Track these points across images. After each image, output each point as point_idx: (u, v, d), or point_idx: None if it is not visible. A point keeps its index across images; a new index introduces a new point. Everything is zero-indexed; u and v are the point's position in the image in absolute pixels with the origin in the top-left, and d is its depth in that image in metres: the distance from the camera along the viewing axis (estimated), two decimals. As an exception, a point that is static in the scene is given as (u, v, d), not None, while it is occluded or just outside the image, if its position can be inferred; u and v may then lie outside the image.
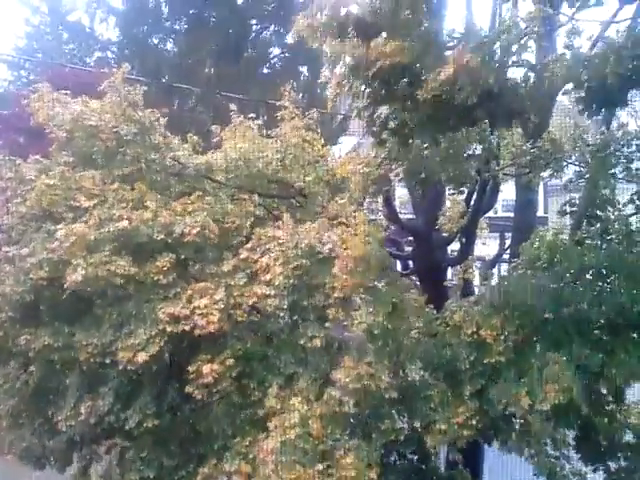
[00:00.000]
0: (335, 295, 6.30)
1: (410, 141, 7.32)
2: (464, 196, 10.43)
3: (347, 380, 6.04)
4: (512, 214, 10.90)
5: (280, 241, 6.83)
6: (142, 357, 6.48)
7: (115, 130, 8.10)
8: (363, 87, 6.69)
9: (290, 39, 20.45)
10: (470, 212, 10.05)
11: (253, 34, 20.95)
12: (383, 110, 6.98)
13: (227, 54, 19.96)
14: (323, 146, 10.18)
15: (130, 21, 20.62)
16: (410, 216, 11.56)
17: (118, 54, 20.59)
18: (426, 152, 7.69)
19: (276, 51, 21.17)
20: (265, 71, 21.14)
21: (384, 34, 6.31)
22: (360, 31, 6.32)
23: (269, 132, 10.36)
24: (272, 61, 21.36)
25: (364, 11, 6.24)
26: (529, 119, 7.25)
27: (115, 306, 6.98)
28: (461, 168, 8.32)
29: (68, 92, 8.67)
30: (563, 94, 7.47)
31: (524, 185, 9.58)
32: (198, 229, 7.05)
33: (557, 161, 8.37)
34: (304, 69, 21.08)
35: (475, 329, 7.27)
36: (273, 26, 20.71)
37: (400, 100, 6.54)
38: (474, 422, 6.92)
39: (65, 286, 6.68)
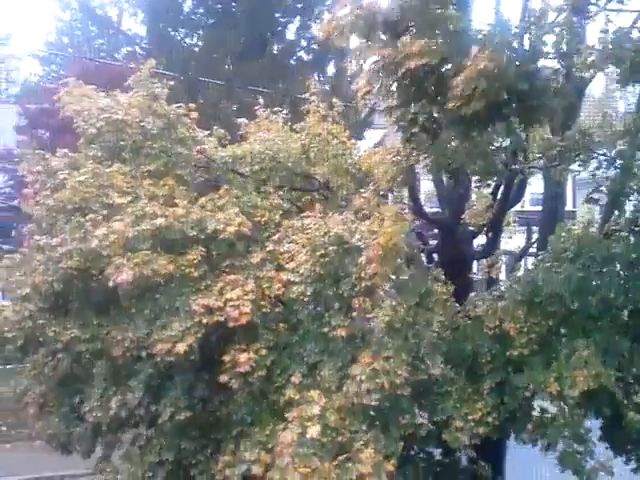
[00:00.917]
0: (362, 285, 6.28)
1: (438, 135, 7.30)
2: (491, 189, 10.35)
3: (363, 377, 6.04)
4: (540, 207, 10.80)
5: (307, 230, 6.86)
6: (181, 348, 6.52)
7: (142, 124, 8.19)
8: (393, 86, 6.71)
9: (316, 32, 20.48)
10: (497, 205, 9.99)
11: (278, 27, 20.95)
12: (413, 107, 6.98)
13: (252, 48, 20.04)
14: (348, 139, 10.17)
15: (156, 16, 20.83)
16: (435, 210, 11.49)
17: (145, 49, 20.77)
18: (454, 144, 7.66)
19: (302, 43, 21.17)
20: (291, 63, 21.15)
21: (412, 30, 6.29)
22: (388, 29, 6.32)
23: (294, 125, 10.41)
24: (297, 54, 21.35)
25: (391, 8, 6.23)
26: (558, 113, 7.20)
27: (148, 300, 7.06)
28: (489, 161, 8.28)
29: (96, 86, 8.78)
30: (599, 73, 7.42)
31: (552, 178, 9.50)
32: (235, 228, 7.09)
33: (586, 151, 8.29)
34: (329, 63, 21.05)
35: (498, 322, 7.25)
36: (299, 18, 20.69)
37: (430, 97, 6.53)
38: (490, 419, 6.94)
39: (110, 284, 6.78)
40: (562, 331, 7.14)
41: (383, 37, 6.49)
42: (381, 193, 9.87)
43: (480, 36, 6.72)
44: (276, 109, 10.80)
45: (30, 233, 8.49)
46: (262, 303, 6.92)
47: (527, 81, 6.27)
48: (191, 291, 7.02)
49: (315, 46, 20.75)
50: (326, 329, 6.61)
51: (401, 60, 6.09)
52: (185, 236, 7.30)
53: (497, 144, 8.43)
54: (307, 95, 10.55)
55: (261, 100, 10.98)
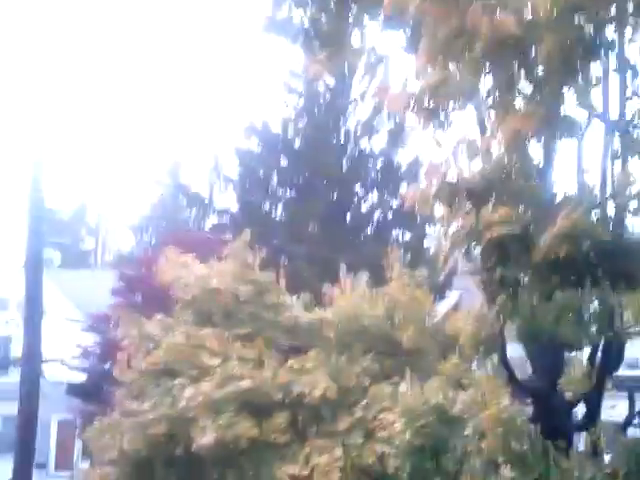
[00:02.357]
0: (472, 460, 5.89)
1: (522, 298, 7.20)
2: (587, 355, 9.85)
3: None
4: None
5: (402, 398, 6.65)
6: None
7: (233, 291, 8.55)
8: (476, 251, 6.81)
9: (394, 204, 21.46)
10: (595, 372, 9.42)
11: (356, 199, 22.06)
12: (497, 271, 7.00)
13: (332, 218, 21.05)
14: (432, 303, 10.17)
15: (244, 190, 22.51)
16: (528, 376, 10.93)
17: (232, 219, 22.17)
18: (540, 309, 7.49)
19: (380, 212, 22.06)
20: (368, 233, 21.93)
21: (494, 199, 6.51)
22: (471, 197, 6.56)
23: (376, 290, 10.53)
24: (375, 224, 22.19)
25: (474, 179, 6.52)
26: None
27: (233, 467, 6.89)
28: (579, 326, 7.98)
29: (193, 255, 9.34)
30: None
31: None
32: (320, 392, 7.03)
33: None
34: (405, 231, 21.73)
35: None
36: (376, 191, 21.77)
37: (513, 261, 6.55)
38: None
39: (193, 448, 6.72)
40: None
41: (466, 205, 6.71)
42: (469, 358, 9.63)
43: (562, 201, 6.84)
44: (360, 274, 11.04)
45: (120, 397, 8.65)
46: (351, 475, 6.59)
47: (614, 243, 6.21)
48: (276, 458, 6.81)
49: (391, 217, 21.59)
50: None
51: (484, 228, 6.23)
52: (271, 399, 7.26)
53: (589, 310, 8.18)
54: (388, 261, 10.79)
55: (343, 266, 11.27)
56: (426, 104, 7.64)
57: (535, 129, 6.44)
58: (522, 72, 6.88)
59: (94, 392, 16.59)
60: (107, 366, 13.60)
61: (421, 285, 10.45)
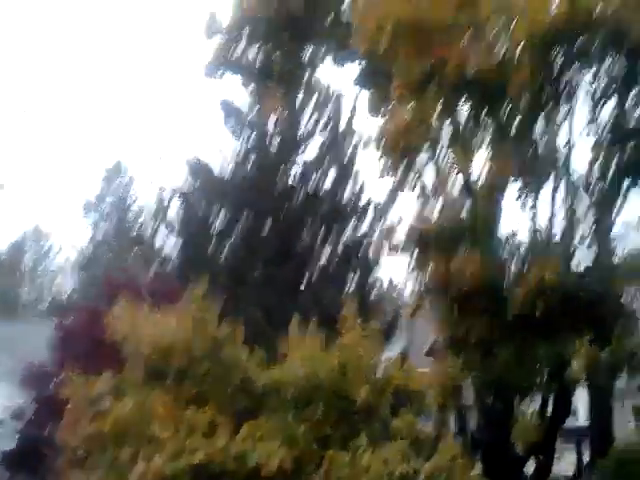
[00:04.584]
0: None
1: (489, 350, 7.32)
2: (537, 408, 10.03)
3: None
4: (587, 423, 10.40)
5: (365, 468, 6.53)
6: None
7: (189, 348, 8.28)
8: (446, 303, 6.90)
9: (340, 245, 21.54)
10: (545, 425, 9.60)
11: (303, 240, 22.02)
12: (464, 324, 7.11)
13: (279, 261, 20.95)
14: (387, 358, 10.13)
15: (190, 236, 22.14)
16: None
17: (177, 265, 21.74)
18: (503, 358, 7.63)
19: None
20: (316, 274, 21.87)
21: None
22: (439, 246, 6.66)
23: (330, 341, 10.41)
24: (320, 265, 22.16)
25: (441, 230, 6.63)
26: (607, 325, 7.28)
27: None
28: (537, 374, 8.14)
29: (146, 307, 9.00)
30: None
31: (598, 391, 9.24)
32: (277, 462, 6.83)
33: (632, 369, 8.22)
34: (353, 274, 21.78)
35: None
36: (323, 231, 21.81)
37: (482, 315, 6.68)
38: None
39: None
40: None
41: (434, 253, 6.81)
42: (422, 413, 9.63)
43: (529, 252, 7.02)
44: (311, 326, 10.89)
45: (62, 467, 8.17)
46: None
47: (580, 296, 6.42)
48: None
49: (339, 257, 21.62)
50: None
51: (455, 282, 6.33)
52: (225, 470, 7.01)
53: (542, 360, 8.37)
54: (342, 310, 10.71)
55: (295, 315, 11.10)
56: (398, 145, 7.80)
57: (504, 178, 6.64)
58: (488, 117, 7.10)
59: (27, 461, 15.02)
60: (44, 430, 12.50)
61: (375, 337, 10.40)
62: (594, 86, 7.69)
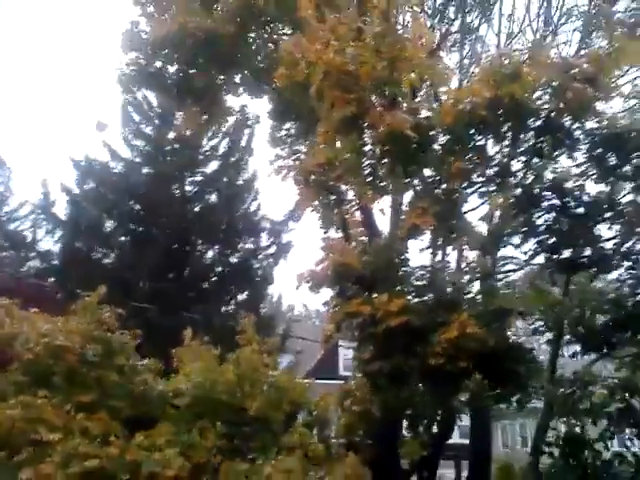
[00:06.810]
0: None
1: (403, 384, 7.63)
2: (422, 426, 10.48)
3: None
4: (467, 441, 11.02)
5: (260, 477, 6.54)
6: None
7: (81, 352, 7.92)
8: (367, 343, 7.14)
9: (233, 259, 21.42)
10: (431, 442, 10.05)
11: (197, 252, 21.69)
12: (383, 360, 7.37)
13: (168, 270, 20.45)
14: (284, 371, 10.23)
15: (71, 234, 21.01)
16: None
17: (58, 265, 20.56)
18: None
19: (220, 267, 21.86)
20: (205, 286, 21.57)
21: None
22: (359, 282, 6.91)
23: (226, 354, 10.35)
24: (213, 279, 21.91)
25: (363, 267, 6.88)
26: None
27: None
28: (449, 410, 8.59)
29: (37, 310, 8.52)
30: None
31: (479, 412, 9.87)
32: (174, 471, 6.66)
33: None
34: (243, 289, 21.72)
35: None
36: (218, 247, 21.62)
37: (404, 353, 6.98)
38: None
39: None
40: None
41: (354, 289, 7.04)
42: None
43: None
44: (205, 338, 10.79)
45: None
46: None
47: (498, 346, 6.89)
48: None
49: (231, 272, 21.48)
50: None
51: (381, 317, 6.57)
52: (119, 478, 6.74)
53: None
54: (241, 325, 10.71)
55: (188, 326, 10.95)
56: (318, 179, 8.06)
57: (427, 227, 7.01)
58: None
59: None
60: None
61: (271, 352, 10.47)
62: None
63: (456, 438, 12.81)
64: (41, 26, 62.70)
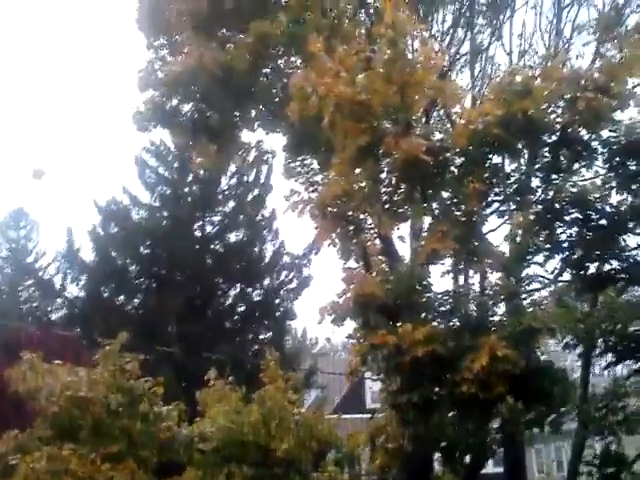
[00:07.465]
0: None
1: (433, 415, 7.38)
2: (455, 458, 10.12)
3: None
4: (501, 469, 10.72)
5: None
6: None
7: (105, 401, 7.79)
8: (394, 374, 6.94)
9: (255, 297, 21.30)
10: (465, 473, 9.69)
11: (219, 292, 21.64)
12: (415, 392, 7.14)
13: (193, 311, 20.37)
14: (310, 408, 9.99)
15: (96, 280, 21.11)
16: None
17: (83, 313, 20.62)
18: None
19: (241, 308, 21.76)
20: (228, 326, 21.46)
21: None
22: (382, 311, 6.74)
23: (250, 393, 10.16)
24: (236, 317, 21.81)
25: (386, 296, 6.72)
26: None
27: None
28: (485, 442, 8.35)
29: (58, 359, 8.44)
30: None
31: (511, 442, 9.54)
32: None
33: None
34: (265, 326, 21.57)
35: None
36: (239, 285, 21.54)
37: (433, 379, 6.76)
38: None
39: None
40: None
41: (378, 318, 6.87)
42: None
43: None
44: (230, 378, 10.61)
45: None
46: None
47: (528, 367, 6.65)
48: None
49: (254, 311, 21.35)
50: None
51: (407, 347, 6.37)
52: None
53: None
54: (264, 363, 10.53)
55: (212, 370, 10.77)
56: (336, 210, 8.00)
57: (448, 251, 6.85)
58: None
59: None
60: None
61: (296, 389, 10.27)
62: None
63: (490, 467, 12.45)
64: (58, 68, 63.82)
